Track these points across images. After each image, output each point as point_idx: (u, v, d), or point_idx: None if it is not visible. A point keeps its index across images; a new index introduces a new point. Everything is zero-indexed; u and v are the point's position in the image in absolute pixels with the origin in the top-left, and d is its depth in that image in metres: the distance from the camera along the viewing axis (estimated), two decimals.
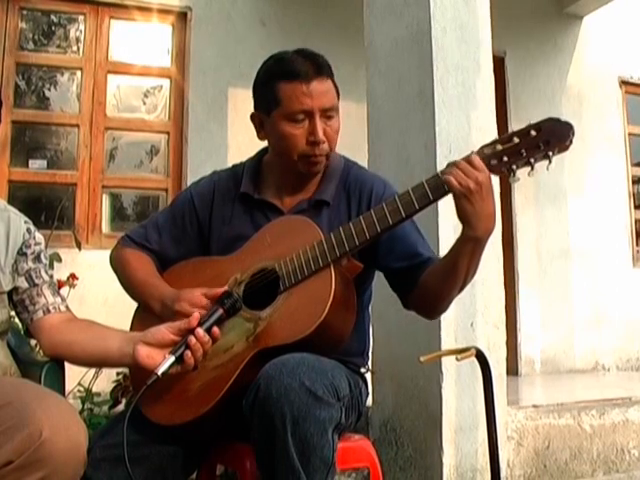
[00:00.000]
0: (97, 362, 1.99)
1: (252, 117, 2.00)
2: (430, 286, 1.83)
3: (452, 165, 1.67)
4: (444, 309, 1.92)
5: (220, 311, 1.72)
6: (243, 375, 1.70)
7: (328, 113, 1.89)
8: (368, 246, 1.79)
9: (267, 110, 1.92)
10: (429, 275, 1.83)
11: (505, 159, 1.64)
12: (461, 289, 1.84)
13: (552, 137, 1.61)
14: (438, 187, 1.68)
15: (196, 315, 1.71)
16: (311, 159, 1.90)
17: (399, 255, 1.89)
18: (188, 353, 1.66)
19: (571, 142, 1.61)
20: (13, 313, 1.91)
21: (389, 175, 2.17)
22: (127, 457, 1.56)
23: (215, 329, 1.70)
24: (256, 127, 2.00)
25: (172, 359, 1.65)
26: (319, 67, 1.88)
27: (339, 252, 1.73)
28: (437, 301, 1.88)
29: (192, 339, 1.66)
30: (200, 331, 1.67)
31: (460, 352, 2.02)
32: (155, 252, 2.04)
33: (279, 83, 1.87)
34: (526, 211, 5.70)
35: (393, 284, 1.95)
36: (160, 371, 1.63)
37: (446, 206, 1.68)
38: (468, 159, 1.66)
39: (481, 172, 1.64)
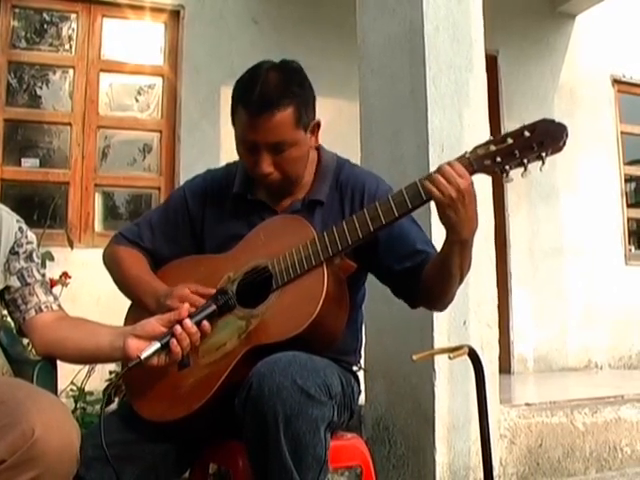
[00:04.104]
0: (89, 358, 1.99)
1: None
2: (430, 285, 1.83)
3: (435, 172, 1.66)
4: (450, 300, 1.91)
5: (213, 307, 1.73)
6: (235, 372, 1.70)
7: (277, 147, 1.81)
8: (364, 245, 1.78)
9: (233, 124, 1.89)
10: (427, 274, 1.83)
11: (498, 160, 1.64)
12: (461, 281, 1.84)
13: (546, 138, 1.60)
14: None
15: (186, 307, 1.71)
16: (266, 183, 1.89)
17: (400, 255, 1.87)
18: (174, 341, 1.66)
19: (565, 143, 1.60)
20: (5, 312, 1.90)
21: (382, 173, 2.16)
22: (120, 456, 1.56)
23: (205, 323, 1.70)
24: None
25: (157, 345, 1.65)
26: (270, 101, 1.77)
27: (332, 251, 1.72)
28: (440, 297, 1.88)
29: (178, 328, 1.67)
30: (188, 322, 1.67)
31: (453, 350, 2.02)
32: (148, 250, 2.04)
33: (237, 105, 1.84)
34: (519, 210, 5.72)
35: (397, 287, 1.94)
36: (143, 355, 1.63)
37: None
38: (450, 164, 1.65)
39: (463, 179, 1.64)
